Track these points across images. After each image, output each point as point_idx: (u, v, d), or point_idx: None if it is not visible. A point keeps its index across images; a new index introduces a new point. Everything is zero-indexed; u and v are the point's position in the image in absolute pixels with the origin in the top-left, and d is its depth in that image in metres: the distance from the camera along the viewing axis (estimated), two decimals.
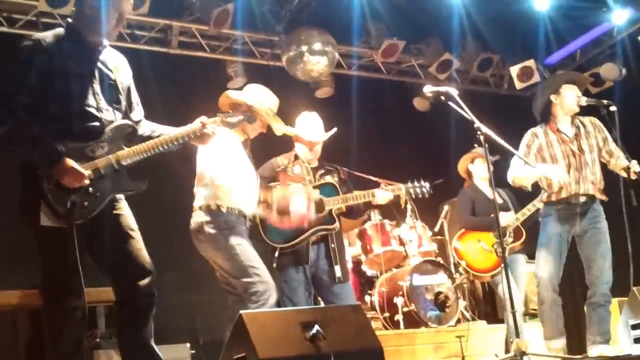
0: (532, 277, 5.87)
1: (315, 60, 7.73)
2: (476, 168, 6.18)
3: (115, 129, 3.49)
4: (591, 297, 5.06)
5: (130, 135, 3.56)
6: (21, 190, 3.36)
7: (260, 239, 4.71)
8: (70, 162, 3.25)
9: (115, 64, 3.60)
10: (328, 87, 8.34)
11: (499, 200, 5.97)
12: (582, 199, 5.09)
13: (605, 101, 5.09)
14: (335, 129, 5.05)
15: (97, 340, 5.80)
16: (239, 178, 4.41)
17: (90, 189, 3.32)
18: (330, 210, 4.85)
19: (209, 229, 4.27)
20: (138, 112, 3.73)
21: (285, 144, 5.21)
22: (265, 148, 5.15)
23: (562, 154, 5.13)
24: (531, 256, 5.76)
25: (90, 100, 3.44)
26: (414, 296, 6.40)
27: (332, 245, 4.88)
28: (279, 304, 4.38)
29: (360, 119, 7.80)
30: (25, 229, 3.36)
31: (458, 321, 6.50)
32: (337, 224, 4.91)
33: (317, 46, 7.71)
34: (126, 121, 3.57)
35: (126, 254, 3.47)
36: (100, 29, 3.47)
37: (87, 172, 3.30)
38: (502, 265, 4.56)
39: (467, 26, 8.20)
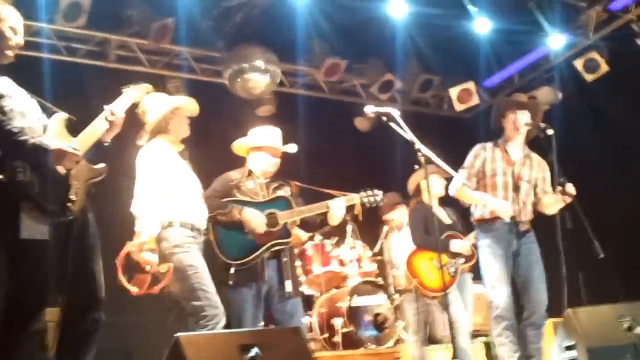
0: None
1: (257, 77, 7.70)
2: (429, 184, 6.13)
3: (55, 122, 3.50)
4: (528, 318, 5.06)
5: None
6: None
7: (213, 255, 4.60)
8: (58, 142, 3.26)
9: None
10: (270, 104, 8.30)
11: (449, 221, 6.01)
12: (513, 221, 5.11)
13: (542, 124, 5.14)
14: (295, 145, 4.99)
15: None
16: (186, 190, 4.33)
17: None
18: (285, 224, 4.78)
19: (161, 247, 4.13)
20: None
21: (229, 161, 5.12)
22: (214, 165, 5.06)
23: (502, 171, 5.17)
24: (475, 277, 5.81)
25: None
26: (353, 317, 6.37)
27: (285, 260, 4.79)
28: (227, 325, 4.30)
29: (302, 137, 7.70)
30: None
31: (397, 342, 6.47)
32: (291, 239, 4.86)
33: (259, 63, 7.68)
34: (61, 113, 3.59)
35: (85, 271, 3.42)
36: None
37: (77, 151, 3.29)
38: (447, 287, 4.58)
39: (409, 47, 8.29)
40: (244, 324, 4.52)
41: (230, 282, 4.55)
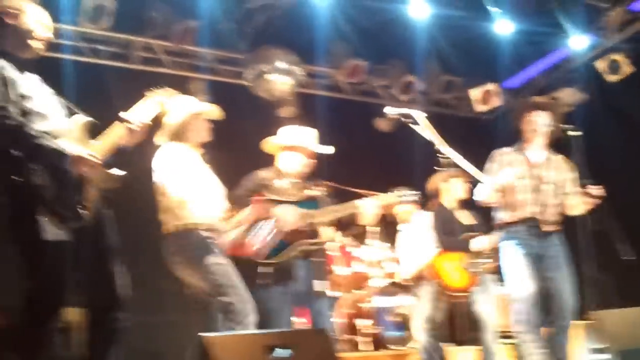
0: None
1: (279, 79, 7.72)
2: (450, 187, 6.10)
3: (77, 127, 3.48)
4: (556, 320, 4.94)
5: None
6: (8, 206, 3.20)
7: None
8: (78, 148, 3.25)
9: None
10: (291, 106, 8.29)
11: (470, 222, 5.96)
12: (537, 223, 5.06)
13: (565, 126, 5.10)
14: (331, 147, 4.93)
15: None
16: (205, 193, 4.30)
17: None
18: (315, 224, 4.73)
19: (183, 251, 4.15)
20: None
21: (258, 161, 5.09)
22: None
23: (521, 175, 5.08)
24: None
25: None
26: (376, 318, 6.35)
27: (314, 260, 4.75)
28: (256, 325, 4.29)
29: (323, 138, 7.72)
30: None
31: None
32: (321, 238, 4.81)
33: (281, 65, 7.73)
34: (84, 117, 3.57)
35: (104, 273, 3.44)
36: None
37: (95, 158, 3.29)
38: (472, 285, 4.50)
39: (430, 48, 8.26)
40: (274, 324, 4.46)
41: (261, 282, 4.50)
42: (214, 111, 4.53)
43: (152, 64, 7.75)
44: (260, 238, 4.44)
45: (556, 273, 4.99)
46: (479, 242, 5.73)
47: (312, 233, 4.73)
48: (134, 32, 7.49)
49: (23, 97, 3.34)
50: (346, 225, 4.97)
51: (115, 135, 3.55)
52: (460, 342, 6.35)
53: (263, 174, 4.83)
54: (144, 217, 4.58)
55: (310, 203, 4.79)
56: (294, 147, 4.85)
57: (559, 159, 5.23)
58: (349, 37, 7.98)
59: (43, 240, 3.14)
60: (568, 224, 5.20)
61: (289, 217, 4.62)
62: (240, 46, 7.91)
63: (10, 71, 3.38)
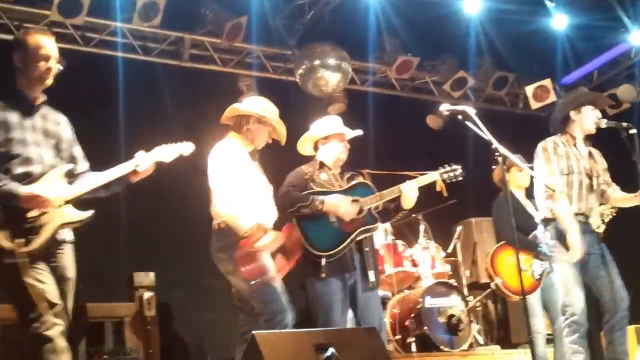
0: None
1: (329, 75, 7.69)
2: (512, 177, 5.91)
3: (55, 171, 3.65)
4: (611, 319, 4.83)
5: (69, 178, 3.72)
6: None
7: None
8: (31, 188, 3.47)
9: (54, 119, 3.78)
10: (341, 102, 8.24)
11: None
12: (587, 219, 4.94)
13: (624, 124, 4.94)
14: (360, 131, 4.93)
15: (105, 357, 5.73)
16: (255, 192, 4.34)
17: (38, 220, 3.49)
18: (369, 210, 4.70)
19: (228, 248, 4.18)
20: (82, 165, 3.87)
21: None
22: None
23: (577, 169, 4.97)
24: None
25: (31, 148, 3.61)
26: (426, 319, 6.23)
27: (366, 249, 4.70)
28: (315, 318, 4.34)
29: (373, 135, 7.67)
30: None
31: (471, 345, 6.33)
32: (378, 224, 4.78)
33: (331, 61, 7.68)
34: (65, 165, 3.71)
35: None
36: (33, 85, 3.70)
37: (50, 197, 3.48)
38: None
39: (483, 44, 8.16)
40: (333, 317, 4.45)
41: (323, 275, 4.47)
42: (281, 130, 4.63)
43: (203, 62, 7.78)
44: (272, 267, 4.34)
45: (608, 270, 4.89)
46: (547, 247, 5.47)
47: (368, 219, 4.69)
48: (185, 30, 7.50)
49: (10, 140, 3.56)
50: (388, 213, 4.95)
51: (106, 176, 3.73)
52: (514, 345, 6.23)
53: (305, 168, 4.83)
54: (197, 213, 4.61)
55: (361, 189, 4.77)
56: (328, 136, 4.87)
57: (595, 151, 5.17)
58: (399, 32, 7.92)
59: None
60: (622, 222, 5.05)
61: (343, 206, 4.59)
62: (290, 42, 7.88)
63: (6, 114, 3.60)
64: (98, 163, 3.87)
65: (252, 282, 4.12)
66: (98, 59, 7.17)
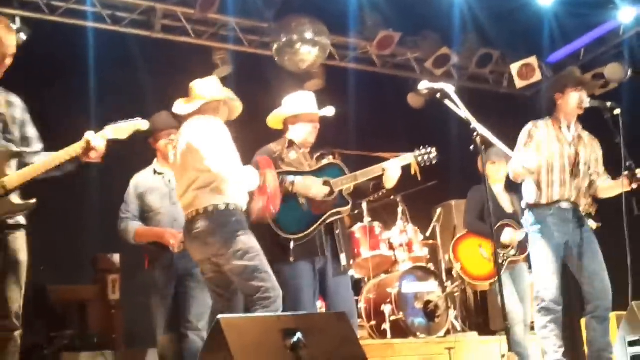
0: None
1: (306, 50, 7.52)
2: (488, 170, 5.80)
3: None
4: (594, 310, 4.79)
5: (14, 161, 3.70)
6: None
7: (265, 232, 4.40)
8: None
9: (6, 100, 3.74)
10: (319, 78, 8.07)
11: (510, 209, 5.64)
12: (572, 206, 4.86)
13: (609, 103, 4.78)
14: (332, 108, 4.75)
15: (66, 342, 5.62)
16: (241, 172, 4.15)
17: None
18: (341, 191, 4.57)
19: (222, 231, 4.02)
20: (35, 146, 3.84)
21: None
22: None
23: (559, 154, 4.88)
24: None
25: None
26: (403, 304, 6.17)
27: (337, 232, 4.58)
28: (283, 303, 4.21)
29: (352, 113, 7.48)
30: None
31: (448, 332, 6.27)
32: (350, 206, 4.65)
33: (309, 35, 7.49)
34: (8, 147, 3.67)
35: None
36: None
37: None
38: (497, 277, 4.37)
39: (467, 20, 8.00)
40: (302, 302, 4.35)
41: (292, 259, 4.36)
42: (237, 106, 4.49)
43: (175, 33, 7.58)
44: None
45: (593, 260, 4.84)
46: (509, 236, 5.45)
47: (338, 201, 4.58)
48: None
49: None
50: (366, 192, 4.85)
51: (55, 158, 3.69)
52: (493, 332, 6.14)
53: (273, 147, 4.70)
54: None
55: (331, 170, 4.64)
56: (298, 115, 4.72)
57: (586, 136, 5.05)
58: (380, 6, 7.74)
59: None
60: (608, 208, 4.98)
61: (314, 187, 4.49)
62: (267, 15, 7.66)
63: None
64: (68, 136, 3.75)
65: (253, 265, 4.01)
66: (64, 28, 6.94)
